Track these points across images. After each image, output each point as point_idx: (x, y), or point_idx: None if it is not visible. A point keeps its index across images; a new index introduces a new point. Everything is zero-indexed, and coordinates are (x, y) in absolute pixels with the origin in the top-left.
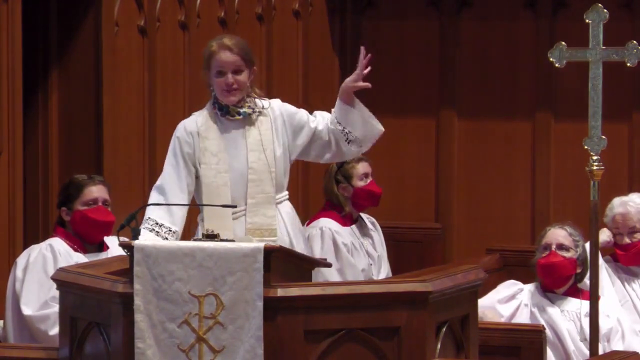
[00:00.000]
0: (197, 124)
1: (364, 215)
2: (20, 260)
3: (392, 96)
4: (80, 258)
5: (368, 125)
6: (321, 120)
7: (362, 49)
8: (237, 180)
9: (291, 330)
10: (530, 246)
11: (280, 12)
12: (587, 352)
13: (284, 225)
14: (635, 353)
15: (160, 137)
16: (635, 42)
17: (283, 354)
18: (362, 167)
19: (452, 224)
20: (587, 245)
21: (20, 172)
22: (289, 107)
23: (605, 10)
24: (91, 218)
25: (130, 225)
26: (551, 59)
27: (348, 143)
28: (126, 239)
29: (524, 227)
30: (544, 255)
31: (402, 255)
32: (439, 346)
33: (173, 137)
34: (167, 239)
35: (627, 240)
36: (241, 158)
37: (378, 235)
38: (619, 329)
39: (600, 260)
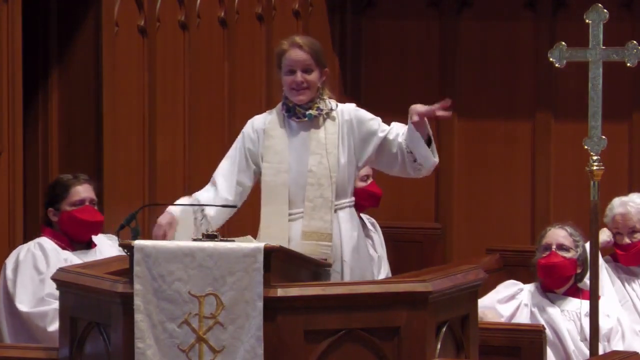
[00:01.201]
0: (265, 122)
1: (363, 216)
2: (9, 261)
3: (392, 96)
4: (68, 255)
5: (427, 154)
6: (394, 131)
7: (448, 99)
8: (296, 181)
9: (291, 330)
10: (530, 246)
11: (280, 12)
12: (587, 352)
13: (339, 232)
14: (635, 353)
15: (160, 137)
16: (635, 42)
17: (283, 354)
18: (364, 168)
19: (452, 224)
20: (587, 245)
21: (20, 172)
22: (363, 113)
23: (605, 10)
24: (79, 218)
25: (130, 225)
26: (551, 59)
27: (412, 162)
28: (125, 240)
29: (524, 227)
30: (544, 255)
31: (402, 255)
32: (439, 346)
33: (241, 131)
34: (196, 218)
35: (627, 240)
36: (303, 160)
37: (378, 236)
38: (619, 328)
39: (601, 260)
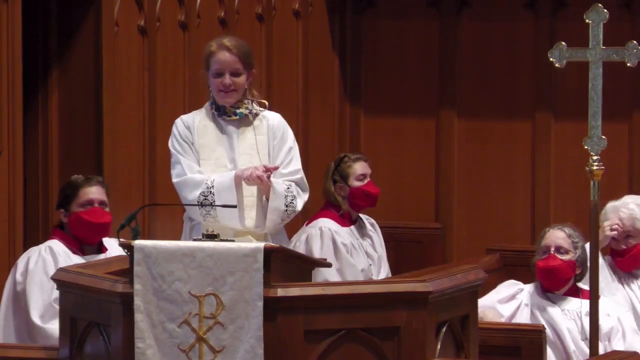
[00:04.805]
0: (194, 120)
1: (363, 216)
2: (20, 263)
3: (392, 96)
4: (79, 260)
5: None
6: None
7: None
8: None
9: (291, 330)
10: (530, 246)
11: (280, 12)
12: (588, 352)
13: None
14: (635, 353)
15: (160, 137)
16: (635, 42)
17: (283, 354)
18: (360, 168)
19: (452, 224)
20: (587, 244)
21: (20, 172)
22: (287, 131)
23: (605, 10)
24: (85, 220)
25: (130, 225)
26: (551, 59)
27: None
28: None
29: (524, 227)
30: (543, 258)
31: (402, 255)
32: (439, 346)
33: (172, 132)
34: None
35: (622, 245)
36: (234, 159)
37: (377, 236)
38: (620, 328)
39: (601, 260)
